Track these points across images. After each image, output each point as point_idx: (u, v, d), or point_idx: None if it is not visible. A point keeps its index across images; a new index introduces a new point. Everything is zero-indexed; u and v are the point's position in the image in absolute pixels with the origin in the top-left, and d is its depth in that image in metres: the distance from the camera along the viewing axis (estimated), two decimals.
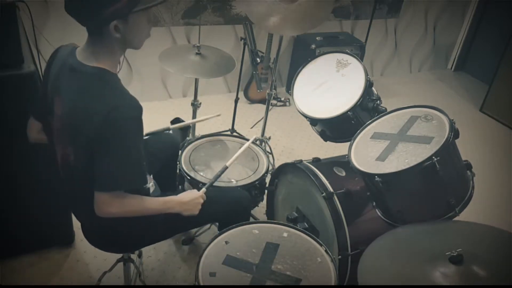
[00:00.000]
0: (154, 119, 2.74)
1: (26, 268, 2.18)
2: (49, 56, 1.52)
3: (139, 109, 1.38)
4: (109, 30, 1.34)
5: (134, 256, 1.95)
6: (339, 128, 2.11)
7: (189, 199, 1.65)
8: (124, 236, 1.64)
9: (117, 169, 1.38)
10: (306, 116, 2.12)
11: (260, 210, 2.53)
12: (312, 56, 2.31)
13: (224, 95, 3.95)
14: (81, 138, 1.37)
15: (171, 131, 2.19)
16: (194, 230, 2.43)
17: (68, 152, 1.42)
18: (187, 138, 2.72)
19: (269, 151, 2.88)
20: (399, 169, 1.58)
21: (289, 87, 2.84)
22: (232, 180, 2.10)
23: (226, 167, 1.89)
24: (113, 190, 1.41)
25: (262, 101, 3.83)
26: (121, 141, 1.36)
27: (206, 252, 1.53)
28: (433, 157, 1.52)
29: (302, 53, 3.90)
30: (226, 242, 1.58)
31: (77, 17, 1.35)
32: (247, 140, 2.42)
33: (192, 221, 1.74)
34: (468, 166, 1.75)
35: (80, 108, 1.36)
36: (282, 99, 3.93)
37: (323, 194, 1.86)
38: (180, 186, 2.29)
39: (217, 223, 1.92)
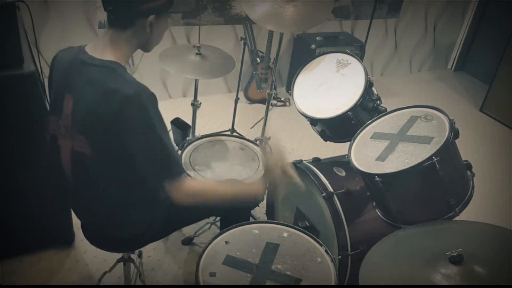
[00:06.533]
0: None
1: (26, 268, 2.18)
2: (51, 58, 1.53)
3: (153, 96, 1.38)
4: (145, 23, 1.39)
5: (134, 256, 1.95)
6: (339, 128, 2.11)
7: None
8: (124, 234, 1.64)
9: (170, 154, 1.40)
10: (306, 116, 2.12)
11: (260, 210, 2.53)
12: (312, 56, 2.31)
13: (224, 95, 3.95)
14: (99, 130, 1.38)
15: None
16: (194, 230, 2.43)
17: (83, 145, 1.42)
18: (187, 138, 2.72)
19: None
20: (399, 169, 1.58)
21: (289, 87, 2.84)
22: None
23: None
24: (180, 173, 1.43)
25: (262, 101, 3.83)
26: (148, 128, 1.36)
27: (206, 252, 1.53)
28: (433, 157, 1.51)
29: (302, 53, 3.90)
30: (226, 242, 1.58)
31: (114, 4, 1.37)
32: (248, 140, 2.42)
33: (193, 216, 1.74)
34: (468, 166, 1.75)
35: (96, 101, 1.36)
36: (282, 99, 3.92)
37: (323, 194, 1.86)
38: None
39: (218, 223, 1.92)
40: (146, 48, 1.49)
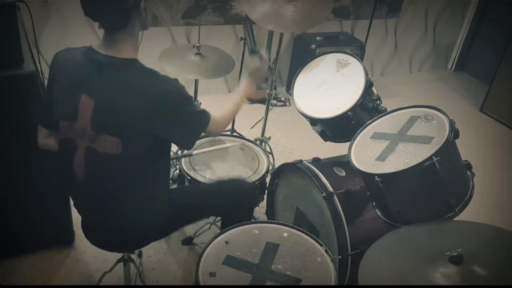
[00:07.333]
0: None
1: (26, 268, 2.18)
2: (51, 58, 1.52)
3: (183, 87, 1.45)
4: (139, 11, 1.40)
5: (134, 256, 1.95)
6: (339, 128, 2.11)
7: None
8: (125, 234, 1.64)
9: (198, 117, 1.56)
10: (306, 116, 2.12)
11: (260, 210, 2.53)
12: (312, 56, 2.31)
13: (224, 95, 3.95)
14: (132, 127, 1.38)
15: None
16: (194, 230, 2.43)
17: (108, 145, 1.41)
18: None
19: (269, 151, 2.88)
20: (399, 169, 1.58)
21: (289, 87, 2.84)
22: None
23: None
24: (209, 120, 1.58)
25: (262, 101, 3.82)
26: (184, 109, 1.47)
27: (206, 252, 1.54)
28: (433, 157, 1.51)
29: (302, 53, 3.90)
30: (226, 242, 1.58)
31: (104, 10, 1.36)
32: (248, 140, 2.42)
33: (195, 214, 1.74)
34: (468, 166, 1.75)
35: (126, 99, 1.37)
36: (282, 99, 3.92)
37: (323, 194, 1.86)
38: (180, 186, 2.29)
39: (218, 223, 1.91)
40: (145, 28, 1.50)
